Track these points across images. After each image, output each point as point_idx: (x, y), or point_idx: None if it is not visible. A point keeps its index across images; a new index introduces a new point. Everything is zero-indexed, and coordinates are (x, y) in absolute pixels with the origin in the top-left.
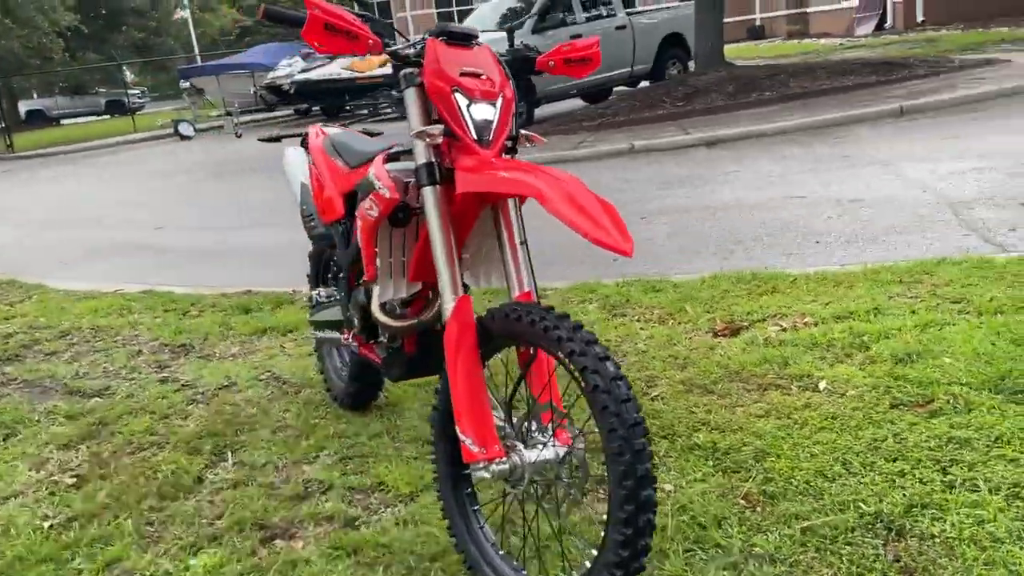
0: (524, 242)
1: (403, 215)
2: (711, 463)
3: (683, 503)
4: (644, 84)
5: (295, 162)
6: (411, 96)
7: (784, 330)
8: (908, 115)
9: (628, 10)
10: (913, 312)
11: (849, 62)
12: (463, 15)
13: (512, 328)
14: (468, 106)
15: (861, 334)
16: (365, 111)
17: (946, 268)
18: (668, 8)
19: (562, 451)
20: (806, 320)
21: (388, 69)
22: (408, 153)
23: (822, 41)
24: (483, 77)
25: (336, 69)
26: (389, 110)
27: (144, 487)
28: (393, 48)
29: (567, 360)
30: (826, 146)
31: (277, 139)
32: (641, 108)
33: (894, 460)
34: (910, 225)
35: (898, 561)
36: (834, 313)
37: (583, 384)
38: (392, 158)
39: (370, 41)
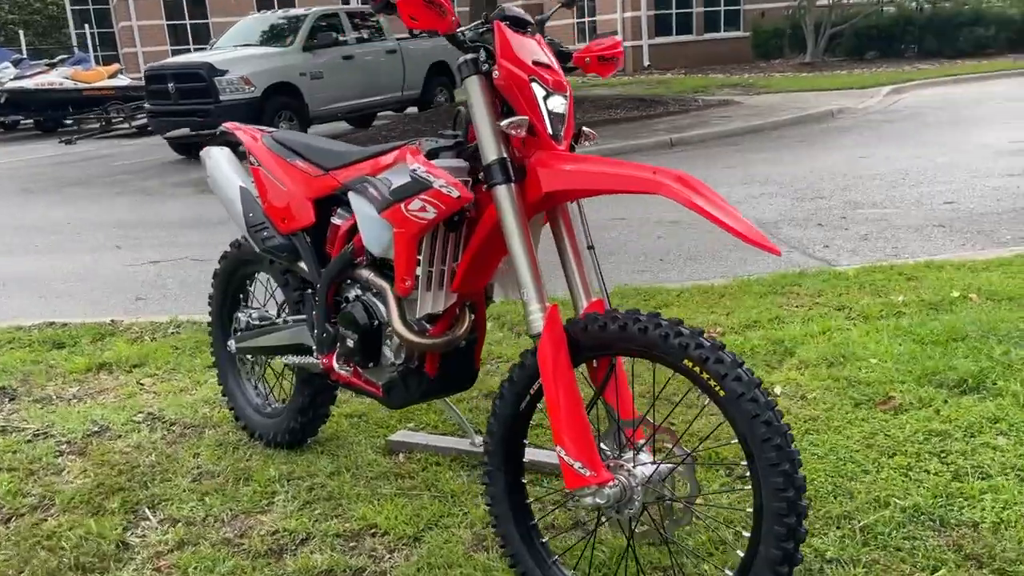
0: (591, 247)
1: (457, 218)
2: (722, 474)
3: (724, 516)
4: (411, 110)
5: (225, 163)
6: (475, 85)
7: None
8: (678, 146)
9: (398, 36)
10: (808, 320)
11: (610, 97)
12: (196, 28)
13: (615, 338)
14: (545, 98)
15: (778, 341)
16: (96, 125)
17: (808, 280)
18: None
19: (666, 467)
20: (718, 330)
21: (120, 80)
22: (447, 150)
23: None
24: (552, 67)
25: (56, 78)
26: (126, 125)
27: (51, 561)
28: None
29: (697, 368)
30: None
31: (187, 139)
32: (421, 132)
33: (892, 455)
34: (731, 244)
35: (960, 550)
36: (740, 323)
37: (722, 392)
38: (431, 154)
39: (452, 19)
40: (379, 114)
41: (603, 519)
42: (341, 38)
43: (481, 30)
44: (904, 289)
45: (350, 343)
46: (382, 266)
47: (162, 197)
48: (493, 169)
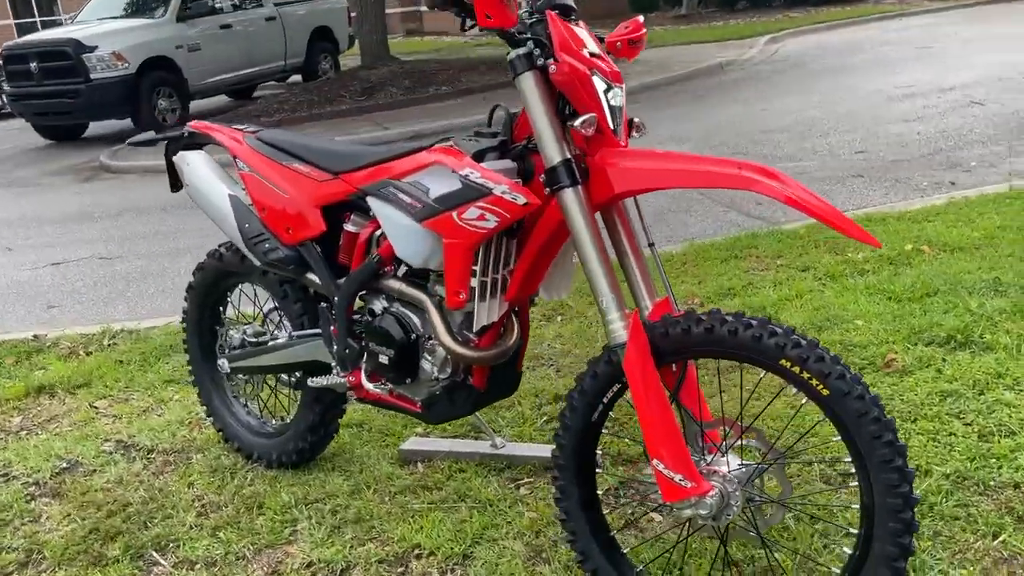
0: (652, 244)
1: (516, 224)
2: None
3: (822, 512)
4: (296, 79)
5: (207, 169)
6: (530, 82)
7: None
8: None
9: (275, 1)
10: (779, 284)
11: (465, 60)
12: (48, 26)
13: (700, 341)
14: (606, 91)
15: (759, 308)
16: None
17: (762, 241)
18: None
19: (759, 469)
20: (696, 300)
21: None
22: (491, 151)
23: (447, 38)
24: (605, 57)
25: None
26: None
27: None
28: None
29: (797, 368)
30: None
31: (152, 143)
32: (321, 103)
33: (915, 420)
34: (673, 206)
35: (1012, 512)
36: (715, 292)
37: (825, 391)
38: (475, 157)
39: (518, 13)
40: (261, 86)
41: (694, 527)
42: (217, 5)
43: (530, 21)
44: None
45: (383, 359)
46: (416, 275)
47: (40, 188)
48: (559, 172)
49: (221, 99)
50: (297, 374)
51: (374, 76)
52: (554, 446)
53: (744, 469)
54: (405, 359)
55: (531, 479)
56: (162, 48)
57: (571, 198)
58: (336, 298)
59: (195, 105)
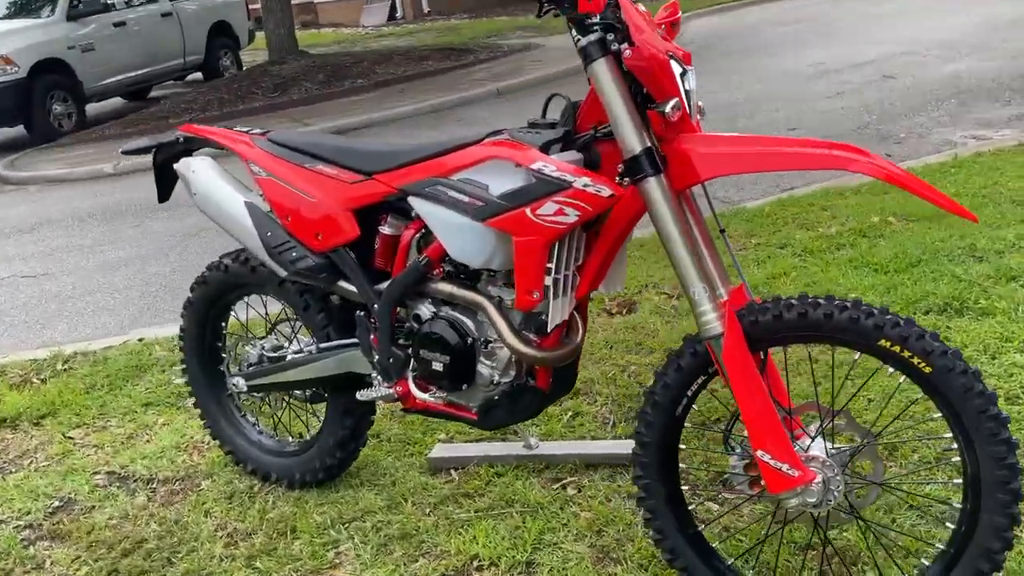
0: (723, 230)
1: (596, 218)
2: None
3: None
4: (196, 76)
5: (217, 176)
6: (605, 68)
7: (669, 297)
8: (505, 95)
9: None
10: (761, 262)
11: (418, 49)
12: None
13: (793, 326)
14: (682, 75)
15: (752, 287)
16: None
17: (728, 221)
18: None
19: (851, 452)
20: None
21: None
22: (555, 142)
23: (346, 30)
24: (671, 41)
25: None
26: None
27: None
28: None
29: (897, 347)
30: (460, 126)
31: (147, 150)
32: (233, 101)
33: None
34: None
35: None
36: None
37: (928, 369)
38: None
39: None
40: (158, 86)
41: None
42: (108, 1)
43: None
44: (825, 219)
45: (437, 366)
46: (466, 276)
47: None
48: (640, 161)
49: (116, 102)
50: (311, 388)
51: (285, 71)
52: (635, 444)
53: (840, 453)
54: (461, 365)
55: (574, 478)
56: (54, 50)
57: (655, 188)
58: (376, 305)
59: (92, 108)
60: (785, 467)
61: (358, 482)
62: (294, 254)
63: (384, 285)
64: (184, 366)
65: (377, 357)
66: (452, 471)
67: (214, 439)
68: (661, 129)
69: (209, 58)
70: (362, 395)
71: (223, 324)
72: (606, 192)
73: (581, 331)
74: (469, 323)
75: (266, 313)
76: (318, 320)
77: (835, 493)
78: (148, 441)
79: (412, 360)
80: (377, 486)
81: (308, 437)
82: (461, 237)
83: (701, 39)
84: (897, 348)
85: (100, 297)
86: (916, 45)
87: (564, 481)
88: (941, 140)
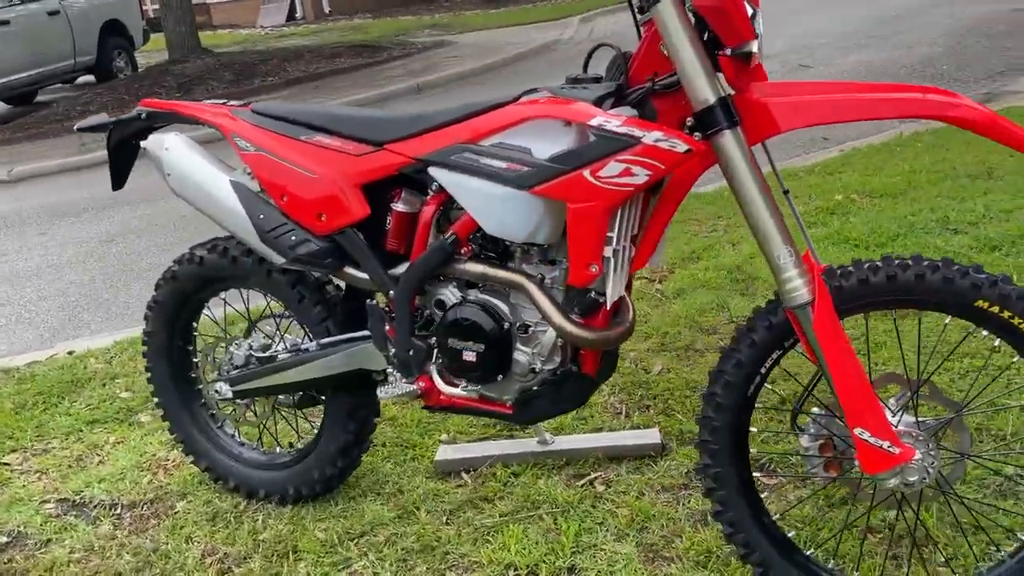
0: (787, 191)
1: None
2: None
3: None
4: (88, 78)
5: (194, 154)
6: (671, 10)
7: (651, 281)
8: (425, 91)
9: None
10: (735, 243)
11: (329, 46)
12: None
13: (880, 291)
14: (753, 17)
15: (735, 269)
16: None
17: (691, 204)
18: None
19: (936, 427)
20: (663, 270)
21: None
22: (610, 97)
23: (244, 31)
24: None
25: None
26: None
27: None
28: None
29: (996, 308)
30: None
31: (104, 127)
32: (134, 102)
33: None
34: None
35: None
36: (680, 257)
37: None
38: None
39: None
40: (45, 89)
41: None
42: None
43: None
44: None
45: (469, 356)
46: (499, 255)
47: None
48: (716, 112)
49: None
50: (309, 390)
51: (189, 70)
52: (702, 431)
53: (930, 427)
54: (497, 353)
55: (598, 473)
56: None
57: (732, 141)
58: (392, 292)
59: None
60: (886, 445)
61: (358, 493)
62: (293, 238)
63: (400, 269)
64: (149, 375)
65: (394, 350)
66: (463, 474)
67: (187, 455)
68: (733, 77)
69: (102, 59)
70: (383, 392)
71: (194, 325)
72: (681, 147)
73: (631, 309)
74: (503, 306)
75: (248, 310)
76: (315, 314)
77: (930, 471)
78: (101, 463)
79: (435, 352)
80: (381, 495)
81: (300, 446)
82: (500, 209)
83: (618, 34)
84: (996, 308)
85: (13, 310)
86: (820, 36)
87: (589, 477)
88: (868, 124)
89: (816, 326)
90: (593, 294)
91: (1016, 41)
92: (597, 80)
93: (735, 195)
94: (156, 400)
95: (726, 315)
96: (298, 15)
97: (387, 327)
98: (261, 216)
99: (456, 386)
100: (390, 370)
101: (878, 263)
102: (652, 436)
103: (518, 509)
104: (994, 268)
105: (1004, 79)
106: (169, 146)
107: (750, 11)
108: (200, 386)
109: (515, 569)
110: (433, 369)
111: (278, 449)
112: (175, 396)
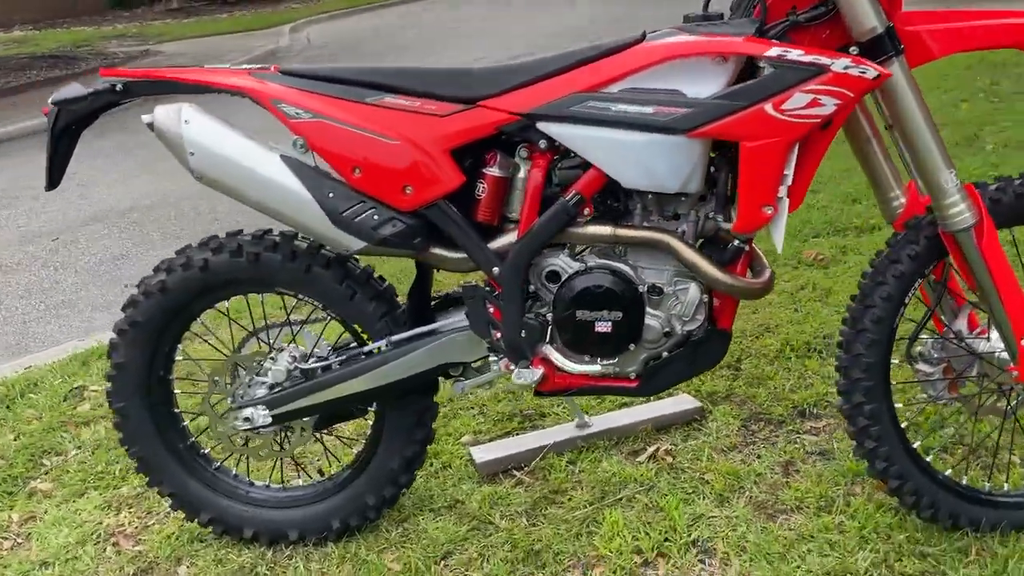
0: (890, 126)
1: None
2: None
3: None
4: None
5: (225, 127)
6: None
7: None
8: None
9: None
10: None
11: (13, 58)
12: None
13: None
14: None
15: None
16: None
17: None
18: None
19: None
20: None
21: None
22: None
23: None
24: None
25: None
26: None
27: None
28: None
29: None
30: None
31: (82, 99)
32: None
33: None
34: None
35: None
36: None
37: None
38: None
39: None
40: None
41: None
42: None
43: None
44: None
45: (603, 327)
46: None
47: None
48: (882, 41)
49: None
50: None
51: None
52: (854, 370)
53: None
54: (633, 320)
55: (654, 445)
56: None
57: (899, 69)
58: (496, 269)
59: None
60: None
61: (406, 515)
62: (376, 217)
63: (497, 243)
64: (119, 417)
65: (503, 332)
66: (514, 472)
67: (177, 509)
68: (887, 5)
69: None
70: (456, 388)
71: (178, 347)
72: (871, 73)
73: (763, 256)
74: (627, 270)
75: (252, 316)
76: (371, 311)
77: None
78: (19, 547)
79: (550, 330)
80: (436, 511)
81: (331, 472)
82: (647, 158)
83: (339, 43)
84: None
85: None
86: (552, 39)
87: (648, 451)
88: None
89: (985, 246)
90: (736, 243)
91: None
92: (720, 17)
93: (899, 124)
94: (130, 452)
95: None
96: None
97: (491, 308)
98: (331, 195)
99: (580, 364)
100: (492, 358)
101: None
102: (689, 401)
103: (602, 495)
104: None
105: None
106: (189, 118)
107: None
108: (183, 423)
109: (640, 554)
110: (550, 349)
111: (299, 481)
112: (157, 441)
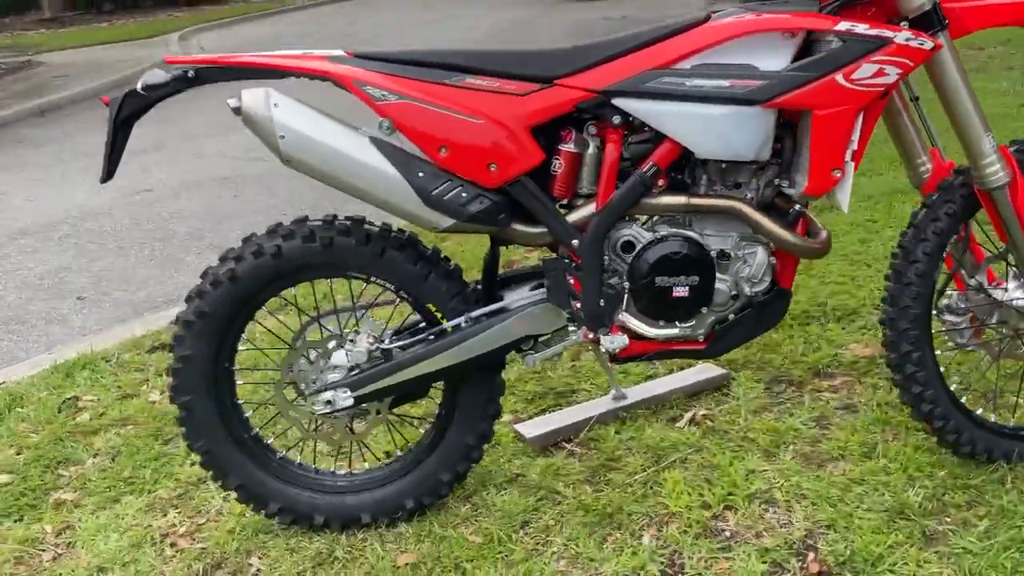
0: (916, 97)
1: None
2: None
3: None
4: None
5: (311, 111)
6: None
7: None
8: (50, 112)
9: None
10: None
11: None
12: None
13: None
14: None
15: None
16: None
17: None
18: None
19: None
20: None
21: None
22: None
23: None
24: None
25: None
26: None
27: None
28: None
29: None
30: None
31: (165, 86)
32: None
33: None
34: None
35: None
36: None
37: None
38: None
39: None
40: None
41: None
42: None
43: None
44: None
45: (681, 291)
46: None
47: None
48: (930, 16)
49: None
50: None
51: None
52: (902, 322)
53: None
54: (707, 284)
55: (691, 411)
56: None
57: (946, 41)
58: (576, 242)
59: None
60: None
61: (469, 492)
62: (464, 195)
63: (574, 216)
64: (184, 412)
65: (583, 302)
66: (564, 444)
67: (245, 502)
68: None
69: None
70: (528, 361)
71: (242, 336)
72: (928, 45)
73: (818, 223)
74: (697, 236)
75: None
76: (445, 290)
77: None
78: (60, 557)
79: (626, 297)
80: (497, 486)
81: (399, 452)
82: (724, 129)
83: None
84: None
85: None
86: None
87: (685, 417)
88: None
89: (1020, 202)
90: (797, 207)
91: None
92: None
93: (943, 92)
94: (196, 446)
95: None
96: None
97: (571, 280)
98: (420, 175)
99: (657, 328)
100: (571, 328)
101: None
102: (713, 369)
103: (656, 459)
104: None
105: None
106: (279, 102)
107: None
108: (246, 414)
109: (709, 508)
110: (627, 316)
111: (366, 464)
112: (223, 434)
